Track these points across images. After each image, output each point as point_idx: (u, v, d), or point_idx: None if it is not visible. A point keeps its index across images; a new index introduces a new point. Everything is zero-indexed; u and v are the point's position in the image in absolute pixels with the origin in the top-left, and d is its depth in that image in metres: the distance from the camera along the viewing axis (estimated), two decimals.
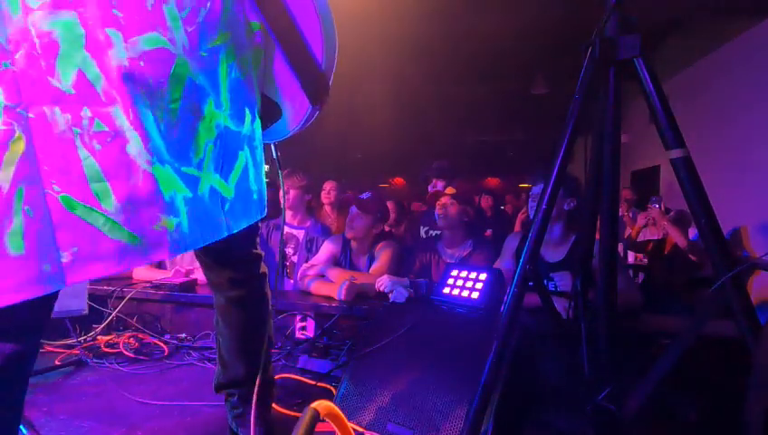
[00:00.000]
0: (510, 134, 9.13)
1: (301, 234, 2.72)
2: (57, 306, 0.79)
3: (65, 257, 0.65)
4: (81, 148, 0.65)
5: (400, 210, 3.89)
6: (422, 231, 3.13)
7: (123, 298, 1.98)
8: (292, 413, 1.33)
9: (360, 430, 1.17)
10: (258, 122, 0.93)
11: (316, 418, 0.65)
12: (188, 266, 2.40)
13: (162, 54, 0.72)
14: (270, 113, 0.98)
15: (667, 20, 4.07)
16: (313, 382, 1.56)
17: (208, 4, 0.78)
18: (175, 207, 0.74)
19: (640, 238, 4.07)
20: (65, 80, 0.64)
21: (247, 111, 0.88)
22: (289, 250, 2.73)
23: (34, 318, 0.73)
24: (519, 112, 7.44)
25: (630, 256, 4.17)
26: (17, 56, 0.61)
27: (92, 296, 2.02)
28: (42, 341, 1.80)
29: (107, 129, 0.67)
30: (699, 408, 1.18)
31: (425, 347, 1.31)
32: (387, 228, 3.44)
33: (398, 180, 11.81)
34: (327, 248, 2.45)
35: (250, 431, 1.07)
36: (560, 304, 1.18)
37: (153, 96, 0.71)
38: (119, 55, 0.67)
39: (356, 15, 3.57)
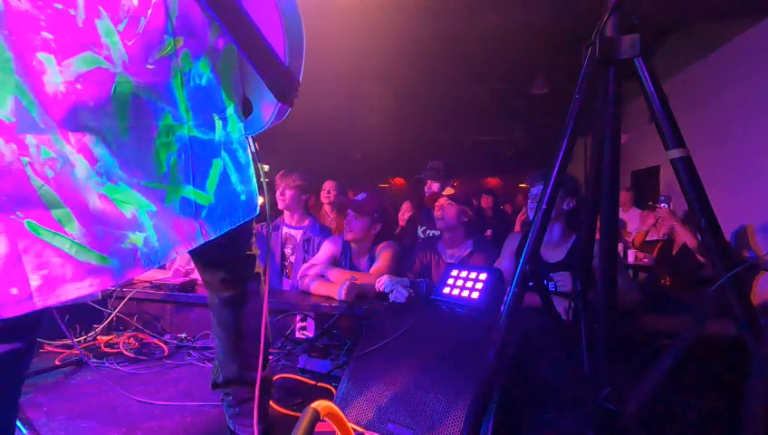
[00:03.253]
0: (510, 134, 9.13)
1: (299, 234, 2.71)
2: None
3: (35, 280, 0.64)
4: (34, 177, 0.64)
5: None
6: (420, 231, 3.13)
7: (123, 298, 1.98)
8: (292, 413, 1.33)
9: (360, 430, 1.17)
10: (235, 124, 0.90)
11: (316, 418, 0.65)
12: (188, 266, 2.40)
13: (100, 75, 0.68)
14: (243, 108, 0.97)
15: (667, 20, 4.07)
16: (313, 382, 1.56)
17: (149, 12, 0.72)
18: (139, 222, 0.73)
19: (650, 238, 4.05)
20: (2, 108, 0.62)
21: (216, 118, 0.85)
22: (287, 250, 2.73)
23: (28, 318, 0.72)
24: (519, 112, 7.44)
25: (630, 256, 4.16)
26: None
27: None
28: (42, 341, 1.82)
29: (54, 155, 0.65)
30: (699, 408, 1.18)
31: (425, 347, 1.31)
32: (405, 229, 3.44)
33: (398, 180, 11.81)
34: (327, 249, 2.45)
35: (247, 431, 1.07)
36: (560, 305, 1.18)
37: (97, 118, 0.68)
38: (53, 80, 0.64)
39: (356, 16, 3.57)
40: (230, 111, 0.89)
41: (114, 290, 2.02)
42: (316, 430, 0.64)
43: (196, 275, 2.28)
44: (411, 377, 1.23)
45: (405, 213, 3.98)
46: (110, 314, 1.94)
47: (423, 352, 1.29)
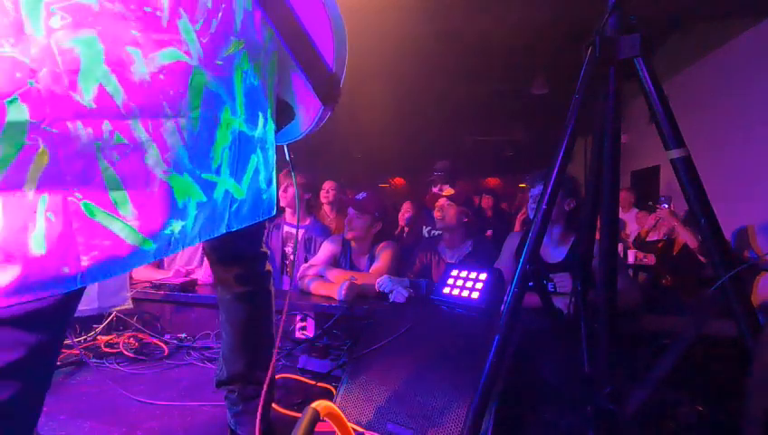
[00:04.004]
0: (510, 134, 9.13)
1: (300, 233, 2.72)
2: (102, 302, 0.81)
3: (85, 261, 0.68)
4: (102, 159, 0.68)
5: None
6: (425, 231, 3.13)
7: None
8: (292, 413, 1.33)
9: (360, 430, 1.17)
10: (271, 125, 0.96)
11: (316, 418, 0.65)
12: (188, 266, 2.40)
13: (180, 67, 0.75)
14: (284, 115, 1.01)
15: (667, 20, 4.07)
16: (313, 382, 1.56)
17: (219, 15, 0.81)
18: (186, 212, 0.78)
19: (650, 238, 4.05)
20: (86, 94, 0.67)
21: (260, 115, 0.91)
22: (288, 249, 2.73)
23: (59, 310, 0.75)
24: (519, 112, 7.44)
25: (630, 256, 4.16)
26: (41, 74, 0.64)
27: None
28: None
29: (126, 141, 0.70)
30: (699, 408, 1.18)
31: (425, 347, 1.31)
32: (407, 229, 3.45)
33: (398, 180, 11.81)
34: (327, 249, 2.45)
35: (248, 430, 1.07)
36: (560, 304, 1.19)
37: (174, 107, 0.74)
38: (140, 70, 0.71)
39: (356, 16, 3.57)
40: (270, 111, 0.95)
41: (110, 310, 2.02)
42: (316, 430, 0.64)
43: (196, 275, 2.28)
44: (411, 377, 1.23)
45: (405, 213, 3.98)
46: (111, 314, 1.94)
47: (423, 353, 1.29)
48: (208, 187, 0.81)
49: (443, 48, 4.76)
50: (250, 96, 0.88)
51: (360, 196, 2.43)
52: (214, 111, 0.80)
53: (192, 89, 0.76)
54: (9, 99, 0.62)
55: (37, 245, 0.65)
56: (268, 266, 1.18)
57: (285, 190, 2.67)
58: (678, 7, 3.87)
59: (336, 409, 0.69)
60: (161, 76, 0.73)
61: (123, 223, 0.71)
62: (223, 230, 0.86)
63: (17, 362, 0.69)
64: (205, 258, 2.44)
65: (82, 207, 0.68)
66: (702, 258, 3.16)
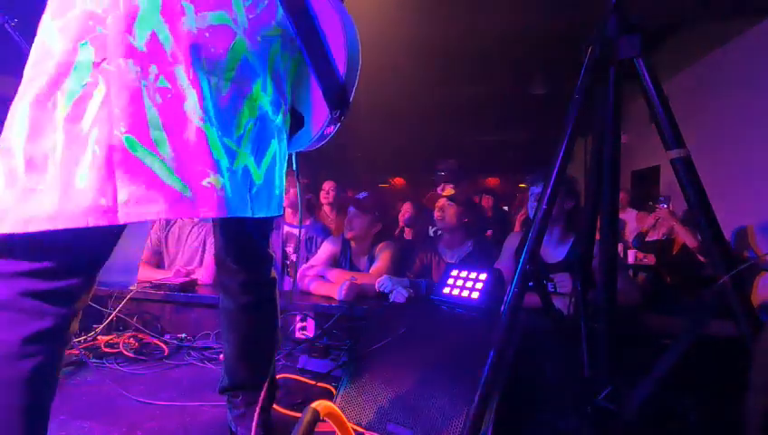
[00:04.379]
0: (510, 134, 9.12)
1: (300, 233, 2.72)
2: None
3: (122, 195, 0.71)
4: (146, 98, 0.74)
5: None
6: (431, 231, 3.14)
7: (123, 298, 1.98)
8: (292, 413, 1.33)
9: (360, 430, 1.17)
10: (288, 119, 0.98)
11: (316, 418, 0.65)
12: (188, 266, 2.40)
13: (226, 30, 0.81)
14: (294, 122, 1.02)
15: (667, 20, 4.06)
16: (313, 382, 1.56)
17: (266, 1, 0.88)
18: (220, 168, 0.79)
19: (650, 238, 4.05)
20: (140, 39, 0.73)
21: (282, 104, 0.94)
22: (289, 249, 2.73)
23: (93, 250, 0.79)
24: (519, 112, 7.44)
25: (630, 256, 4.16)
26: (108, 21, 0.72)
27: (92, 296, 2.02)
28: None
29: (169, 86, 0.75)
30: (699, 408, 1.18)
31: (425, 347, 1.31)
32: (407, 229, 3.46)
33: (398, 180, 11.81)
34: (326, 249, 2.45)
35: (249, 433, 1.07)
36: (560, 304, 1.19)
37: (212, 64, 0.79)
38: (189, 23, 0.77)
39: (355, 16, 3.57)
40: (288, 104, 0.97)
41: (114, 290, 2.02)
42: (316, 430, 0.64)
43: (196, 275, 2.28)
44: (411, 377, 1.23)
45: (405, 213, 3.99)
46: (110, 314, 1.94)
47: (423, 353, 1.29)
48: (230, 153, 0.83)
49: (443, 48, 4.76)
50: (277, 82, 0.92)
51: (361, 195, 2.43)
52: (247, 80, 0.85)
53: (232, 53, 0.82)
54: (82, 42, 0.71)
55: (81, 178, 0.69)
56: (274, 273, 1.15)
57: (286, 191, 2.67)
58: (678, 7, 3.87)
59: (336, 409, 0.69)
60: (207, 34, 0.79)
61: (162, 162, 0.74)
62: (248, 213, 0.87)
63: (57, 289, 0.74)
64: (204, 258, 2.44)
65: (124, 141, 0.71)
66: (701, 258, 3.16)
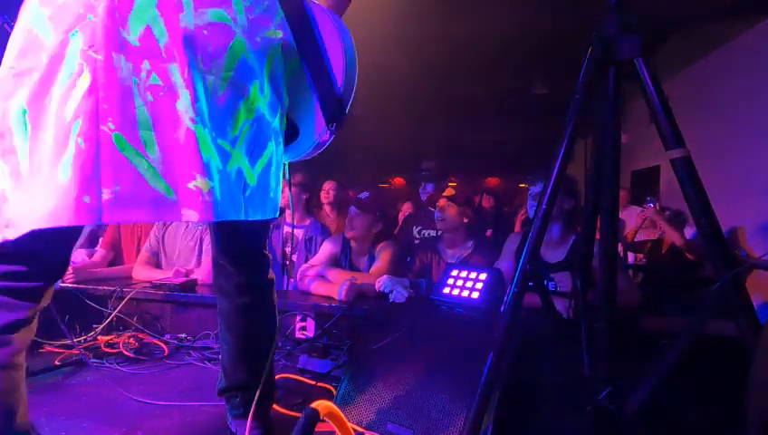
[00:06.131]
0: (510, 134, 9.12)
1: (300, 233, 2.72)
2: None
3: (106, 194, 0.69)
4: (137, 95, 0.72)
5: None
6: (415, 231, 3.12)
7: (123, 298, 1.98)
8: (292, 413, 1.33)
9: (360, 430, 1.17)
10: (284, 123, 0.97)
11: (316, 418, 0.65)
12: (188, 266, 2.40)
13: (225, 29, 0.79)
14: (289, 133, 1.01)
15: (667, 20, 4.06)
16: (313, 382, 1.56)
17: (266, 3, 0.87)
18: (210, 170, 0.77)
19: (638, 238, 4.07)
20: (133, 32, 0.71)
21: (279, 106, 0.92)
22: (289, 249, 2.73)
23: (58, 256, 0.78)
24: (519, 112, 7.44)
25: (630, 256, 4.17)
26: (99, 9, 0.70)
27: (92, 296, 2.02)
28: (42, 341, 1.81)
29: (161, 83, 0.73)
30: (699, 408, 1.18)
31: (425, 347, 1.31)
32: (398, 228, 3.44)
33: (398, 180, 11.81)
34: (326, 249, 2.45)
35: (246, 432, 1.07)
36: (560, 304, 1.19)
37: (209, 63, 0.77)
38: (187, 19, 0.75)
39: (355, 15, 3.57)
40: (285, 108, 0.96)
41: (114, 290, 2.02)
42: (316, 430, 0.65)
43: (195, 275, 2.28)
44: (411, 377, 1.23)
45: (406, 213, 3.99)
46: (110, 314, 1.94)
47: (423, 353, 1.29)
48: (223, 154, 0.81)
49: (444, 48, 4.76)
50: (275, 83, 0.90)
51: (363, 195, 2.43)
52: (244, 82, 0.83)
53: (231, 52, 0.80)
54: (72, 32, 0.69)
55: (63, 170, 0.67)
56: (271, 274, 1.15)
57: (283, 191, 2.66)
58: (678, 7, 3.87)
59: (336, 409, 0.69)
60: (205, 31, 0.77)
61: (149, 164, 0.72)
62: (242, 216, 0.86)
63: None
64: (204, 258, 2.44)
65: (113, 139, 0.69)
66: (690, 256, 3.17)
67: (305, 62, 0.94)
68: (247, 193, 0.87)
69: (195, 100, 0.75)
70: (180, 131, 0.74)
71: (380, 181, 11.92)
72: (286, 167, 1.11)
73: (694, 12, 3.96)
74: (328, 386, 1.52)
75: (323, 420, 0.66)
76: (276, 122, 0.92)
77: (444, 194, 2.45)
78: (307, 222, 2.76)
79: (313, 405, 0.65)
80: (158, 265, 2.52)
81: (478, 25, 4.28)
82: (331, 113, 0.97)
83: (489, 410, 1.01)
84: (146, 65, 0.72)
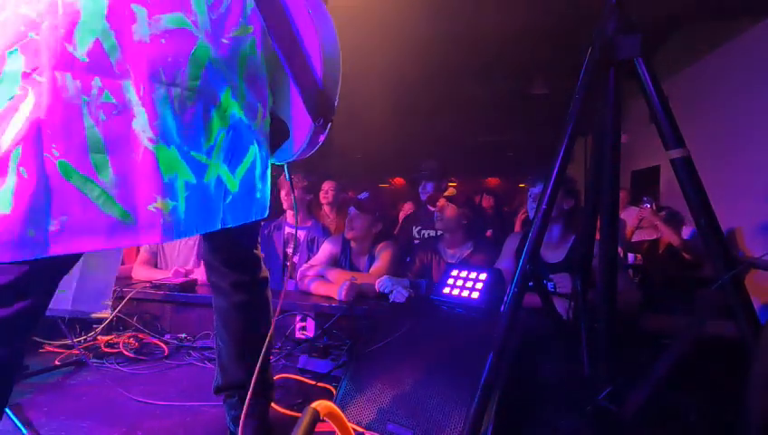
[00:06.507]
0: (510, 134, 9.12)
1: (302, 234, 2.72)
2: (82, 306, 0.77)
3: (53, 225, 0.64)
4: (87, 116, 0.66)
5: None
6: (415, 231, 3.12)
7: (123, 298, 1.98)
8: (292, 413, 1.33)
9: (360, 430, 1.17)
10: (267, 120, 0.93)
11: (316, 418, 0.65)
12: (188, 266, 2.40)
13: (184, 35, 0.73)
14: (279, 133, 0.98)
15: (667, 20, 4.06)
16: (313, 382, 1.56)
17: None
18: (173, 190, 0.73)
19: (636, 239, 4.07)
20: (81, 48, 0.65)
21: (259, 106, 0.88)
22: (290, 250, 2.73)
23: (41, 273, 0.72)
24: (519, 112, 7.44)
25: (630, 257, 4.17)
26: (43, 26, 0.64)
27: None
28: (42, 341, 1.81)
29: (115, 101, 0.67)
30: (699, 408, 1.18)
31: (425, 347, 1.31)
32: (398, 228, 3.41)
33: (398, 180, 11.80)
34: (326, 249, 2.45)
35: (248, 432, 1.07)
36: (560, 305, 1.19)
37: (171, 75, 0.71)
38: (141, 31, 0.68)
39: (356, 15, 3.57)
40: (269, 103, 0.92)
41: (114, 290, 2.02)
42: (316, 430, 0.64)
43: (195, 275, 2.28)
44: (411, 377, 1.23)
45: (406, 213, 3.98)
46: (111, 313, 1.94)
47: (423, 352, 1.29)
48: (198, 167, 0.76)
49: (443, 49, 4.76)
50: (251, 84, 0.84)
51: (363, 195, 2.43)
52: (214, 89, 0.77)
53: (194, 60, 0.74)
54: (10, 50, 0.63)
55: (3, 202, 0.62)
56: (265, 272, 1.15)
57: (288, 193, 2.66)
58: (678, 7, 3.87)
59: (336, 409, 0.69)
60: (162, 40, 0.70)
61: (101, 190, 0.67)
62: (218, 226, 0.82)
63: None
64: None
65: (58, 166, 0.64)
66: (687, 256, 3.18)
67: (280, 52, 0.88)
68: (228, 200, 0.84)
69: (154, 117, 0.70)
70: (138, 153, 0.69)
71: (380, 181, 11.92)
72: (286, 168, 1.09)
73: (694, 12, 3.96)
74: (328, 386, 1.52)
75: (323, 420, 0.66)
76: (257, 124, 0.88)
77: (445, 194, 2.44)
78: (309, 223, 2.76)
79: (313, 405, 0.65)
80: (157, 265, 2.52)
81: (478, 25, 4.28)
82: (314, 107, 0.91)
83: (489, 410, 1.01)
84: (97, 82, 0.66)
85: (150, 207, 0.70)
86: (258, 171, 0.90)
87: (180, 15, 0.72)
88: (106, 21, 0.66)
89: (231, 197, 0.85)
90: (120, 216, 0.69)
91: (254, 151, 0.88)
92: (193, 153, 0.75)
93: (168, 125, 0.71)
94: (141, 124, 0.69)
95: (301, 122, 0.96)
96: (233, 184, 0.85)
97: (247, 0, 0.82)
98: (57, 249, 0.65)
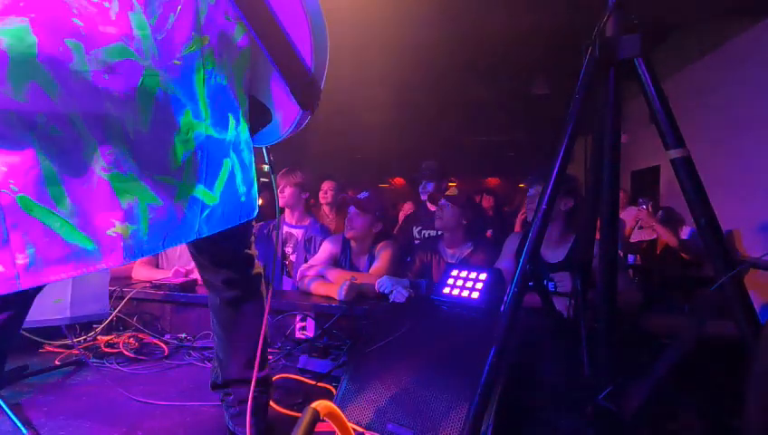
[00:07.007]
0: (510, 134, 9.13)
1: (299, 233, 2.72)
2: (81, 311, 0.79)
3: (21, 259, 0.65)
4: (40, 151, 0.65)
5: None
6: (415, 231, 3.12)
7: (123, 298, 1.98)
8: (292, 413, 1.33)
9: (360, 430, 1.17)
10: (244, 125, 0.91)
11: (316, 418, 0.65)
12: (188, 266, 2.40)
13: (129, 67, 0.68)
14: (261, 117, 0.97)
15: (667, 20, 4.06)
16: (313, 382, 1.56)
17: (179, 8, 0.73)
18: (133, 214, 0.73)
19: (635, 239, 4.08)
20: (18, 91, 0.62)
21: (231, 117, 0.86)
22: (288, 249, 2.73)
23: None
24: (519, 112, 7.44)
25: (630, 257, 4.17)
26: None
27: None
28: (42, 341, 1.81)
29: (62, 133, 0.66)
30: (699, 408, 1.18)
31: (425, 347, 1.31)
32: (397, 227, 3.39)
33: (398, 180, 11.80)
34: (326, 249, 2.45)
35: (246, 431, 1.07)
36: (560, 303, 1.18)
37: (120, 108, 0.69)
38: (80, 69, 0.64)
39: (356, 16, 3.57)
40: (242, 110, 0.90)
41: (114, 290, 2.02)
42: (316, 430, 0.64)
43: (196, 275, 2.28)
44: (411, 377, 1.23)
45: (406, 213, 3.98)
46: (111, 313, 1.94)
47: (423, 353, 1.29)
48: (164, 190, 0.76)
49: (444, 49, 4.76)
50: (216, 97, 0.82)
51: (363, 195, 2.43)
52: (170, 115, 0.74)
53: (142, 91, 0.70)
54: None
55: None
56: (258, 268, 1.15)
57: (282, 191, 2.66)
58: (678, 7, 3.87)
59: (336, 409, 0.69)
60: (105, 76, 0.66)
61: (62, 220, 0.67)
62: (192, 238, 0.83)
63: None
64: None
65: (17, 201, 0.64)
66: (685, 256, 3.19)
67: (264, 47, 0.85)
68: (205, 213, 0.84)
69: (106, 147, 0.68)
70: (92, 182, 0.69)
71: (380, 181, 11.92)
72: (265, 150, 1.07)
73: (694, 12, 3.96)
74: (328, 386, 1.52)
75: (323, 420, 0.66)
76: (230, 134, 0.86)
77: (447, 193, 2.44)
78: (307, 222, 2.76)
79: (313, 405, 0.65)
80: (157, 265, 2.51)
81: (479, 26, 4.28)
82: (303, 97, 0.90)
83: (489, 410, 1.01)
84: (41, 118, 0.64)
85: (110, 232, 0.71)
86: (239, 178, 0.89)
87: (121, 45, 0.67)
88: (39, 61, 0.62)
89: (209, 210, 0.84)
90: (83, 243, 0.69)
91: (229, 164, 0.87)
92: (157, 177, 0.75)
93: (123, 152, 0.70)
94: (91, 153, 0.68)
95: (286, 106, 0.94)
96: (211, 198, 0.84)
97: (200, 7, 0.76)
98: (28, 282, 0.65)
